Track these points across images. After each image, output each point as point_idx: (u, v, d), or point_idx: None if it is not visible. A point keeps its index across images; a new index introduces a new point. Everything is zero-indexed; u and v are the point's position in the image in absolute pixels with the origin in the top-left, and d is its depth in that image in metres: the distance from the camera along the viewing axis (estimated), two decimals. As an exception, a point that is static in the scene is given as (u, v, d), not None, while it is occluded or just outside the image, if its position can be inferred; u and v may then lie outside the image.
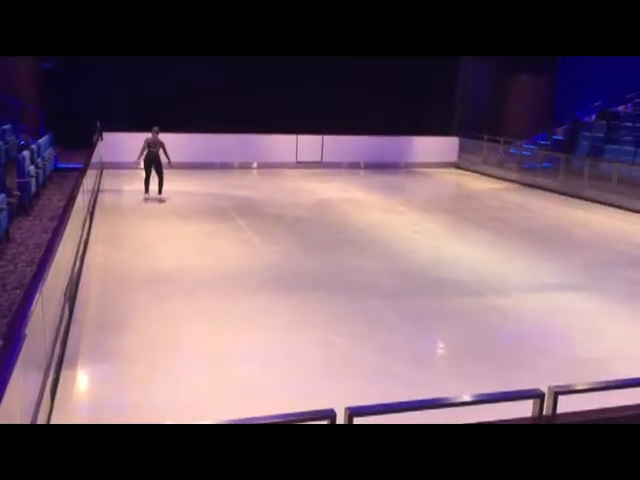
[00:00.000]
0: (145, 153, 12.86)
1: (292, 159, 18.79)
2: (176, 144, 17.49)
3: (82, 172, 9.63)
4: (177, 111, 17.01)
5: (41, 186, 12.15)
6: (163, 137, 13.03)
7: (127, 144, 16.96)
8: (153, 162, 12.86)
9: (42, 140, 13.72)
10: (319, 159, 19.01)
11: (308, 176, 17.32)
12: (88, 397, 5.08)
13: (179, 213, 11.89)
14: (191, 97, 17.57)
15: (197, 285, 7.62)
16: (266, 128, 17.76)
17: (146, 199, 12.92)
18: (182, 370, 5.40)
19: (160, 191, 13.06)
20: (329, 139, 18.92)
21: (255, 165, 18.61)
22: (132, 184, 14.99)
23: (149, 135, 12.84)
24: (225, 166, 18.04)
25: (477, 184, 17.22)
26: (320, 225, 11.43)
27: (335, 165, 18.92)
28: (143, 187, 12.98)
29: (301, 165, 18.68)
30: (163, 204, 12.73)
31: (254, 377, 5.30)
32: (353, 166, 19.33)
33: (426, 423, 2.52)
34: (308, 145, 18.83)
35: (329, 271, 8.48)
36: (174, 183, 15.33)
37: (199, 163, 17.54)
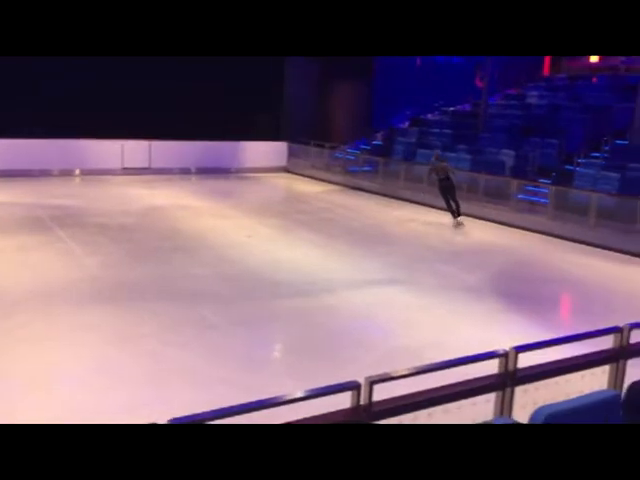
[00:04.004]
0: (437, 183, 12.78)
1: (118, 165, 18.00)
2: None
3: None
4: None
5: None
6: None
7: None
8: (445, 190, 12.58)
9: None
10: (147, 165, 18.43)
11: (136, 183, 16.71)
12: None
13: (-12, 226, 10.84)
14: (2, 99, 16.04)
15: (13, 305, 7.01)
16: (89, 133, 16.81)
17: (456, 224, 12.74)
18: (3, 399, 4.96)
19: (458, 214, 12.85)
20: (157, 144, 18.42)
21: (77, 172, 17.54)
22: None
23: None
24: (43, 173, 16.78)
25: (305, 187, 17.85)
26: (149, 233, 11.10)
27: (165, 171, 18.46)
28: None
29: (128, 171, 17.95)
30: None
31: (80, 397, 5.03)
32: (184, 172, 19.01)
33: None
34: (135, 151, 18.16)
35: (157, 280, 8.29)
36: (-18, 193, 13.98)
37: (13, 170, 16.12)
